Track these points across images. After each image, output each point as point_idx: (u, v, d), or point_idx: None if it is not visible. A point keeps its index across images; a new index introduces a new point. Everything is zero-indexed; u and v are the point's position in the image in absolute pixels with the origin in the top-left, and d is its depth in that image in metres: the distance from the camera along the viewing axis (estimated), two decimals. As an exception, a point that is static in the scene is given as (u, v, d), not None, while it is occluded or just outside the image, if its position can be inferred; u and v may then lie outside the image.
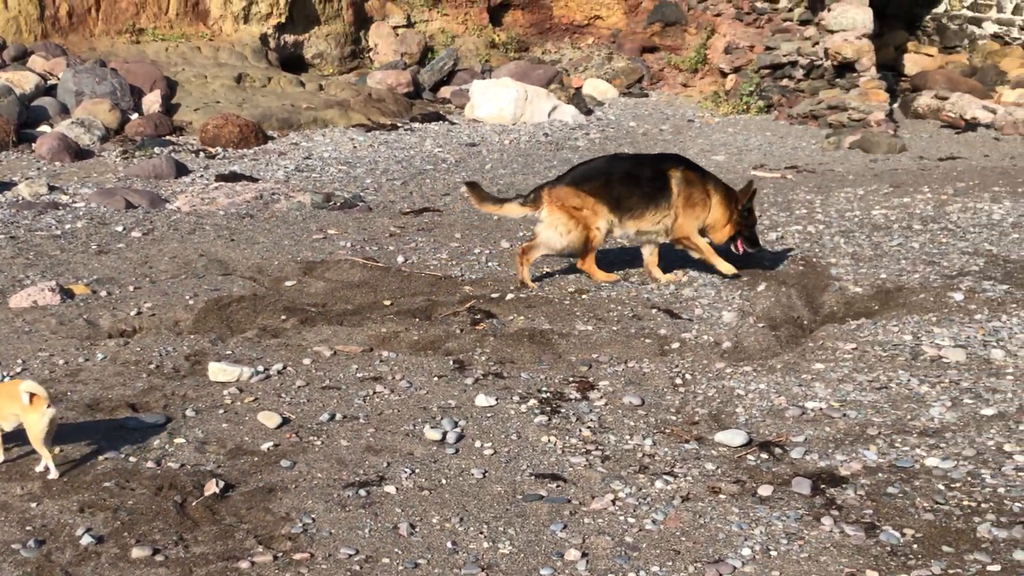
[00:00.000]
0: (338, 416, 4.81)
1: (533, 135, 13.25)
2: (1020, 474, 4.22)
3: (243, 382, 5.20)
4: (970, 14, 18.03)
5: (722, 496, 4.09)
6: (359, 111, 13.64)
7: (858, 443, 4.55)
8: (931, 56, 17.84)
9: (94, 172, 10.24)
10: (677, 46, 17.14)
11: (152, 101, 12.57)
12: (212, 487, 4.07)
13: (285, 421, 4.75)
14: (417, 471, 4.25)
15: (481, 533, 3.79)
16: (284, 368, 5.39)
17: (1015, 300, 6.35)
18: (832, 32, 14.47)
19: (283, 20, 15.31)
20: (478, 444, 4.52)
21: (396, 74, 15.19)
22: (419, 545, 3.71)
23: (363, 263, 7.24)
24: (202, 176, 10.31)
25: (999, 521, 3.85)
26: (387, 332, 5.97)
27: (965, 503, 4.00)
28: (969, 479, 4.19)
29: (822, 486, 4.16)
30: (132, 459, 4.33)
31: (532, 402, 4.98)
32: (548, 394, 5.11)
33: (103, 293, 6.54)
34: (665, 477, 4.24)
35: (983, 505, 3.97)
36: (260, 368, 5.34)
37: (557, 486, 4.15)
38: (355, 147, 12.00)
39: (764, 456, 4.45)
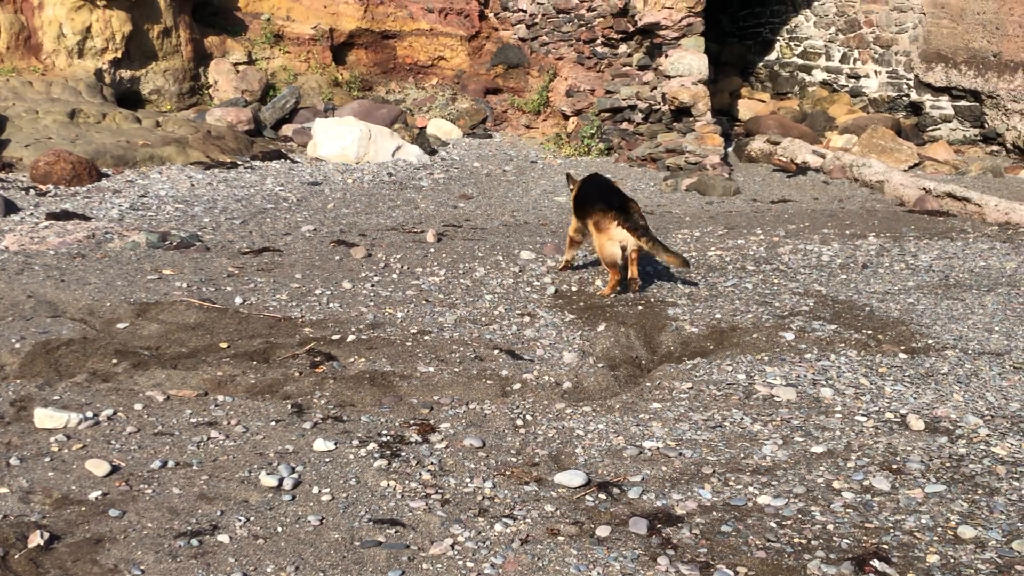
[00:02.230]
0: (170, 463, 4.67)
1: (377, 174, 13.20)
2: (848, 511, 4.35)
3: (71, 429, 5.01)
4: (801, 62, 18.75)
5: (561, 538, 4.10)
6: (198, 148, 13.38)
7: (693, 482, 4.63)
8: (764, 102, 18.48)
9: (-86, 209, 9.79)
10: (520, 88, 17.35)
11: (-21, 136, 12.11)
12: (36, 538, 3.90)
13: (115, 469, 4.59)
14: (252, 519, 4.16)
15: (317, 582, 3.71)
16: (114, 414, 5.22)
17: (843, 340, 6.57)
18: (669, 78, 14.84)
19: (119, 55, 14.95)
20: (316, 490, 4.45)
21: (236, 111, 14.97)
22: (253, 596, 3.62)
23: (199, 304, 7.08)
24: (32, 214, 9.96)
25: (828, 558, 3.95)
26: (223, 376, 5.84)
27: (796, 540, 4.09)
28: (800, 516, 4.30)
29: (658, 526, 4.21)
30: (-52, 512, 4.12)
31: (372, 446, 4.92)
32: (388, 437, 5.06)
33: (-79, 337, 6.24)
34: (505, 520, 4.23)
35: (813, 542, 4.08)
36: (89, 414, 5.16)
37: (396, 531, 4.10)
38: (193, 185, 11.76)
39: (602, 496, 4.48)
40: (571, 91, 16.33)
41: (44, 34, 14.44)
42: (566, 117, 16.38)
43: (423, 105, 17.02)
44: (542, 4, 17.11)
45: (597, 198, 7.71)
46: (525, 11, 17.52)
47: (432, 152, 14.90)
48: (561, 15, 16.80)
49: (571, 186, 8.31)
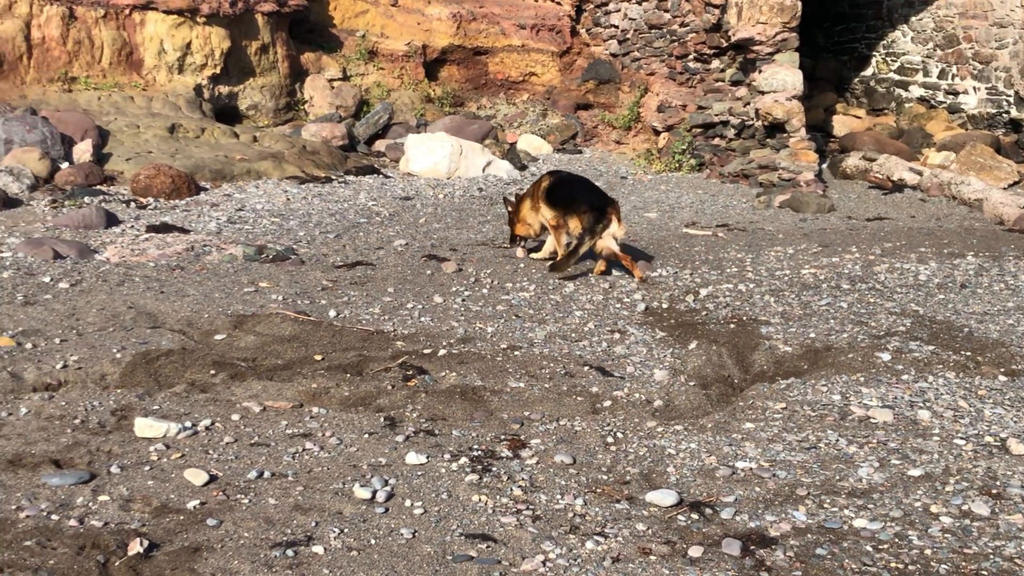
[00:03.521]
0: (266, 473, 4.74)
1: (467, 189, 13.29)
2: (946, 536, 4.26)
3: (170, 438, 5.11)
4: (897, 77, 18.47)
5: (652, 557, 4.08)
6: (293, 163, 13.59)
7: (787, 503, 4.58)
8: (859, 118, 18.24)
9: (22, 221, 10.08)
10: (611, 104, 17.34)
11: (83, 150, 12.43)
12: (136, 546, 3.97)
13: (212, 478, 4.67)
14: (346, 531, 4.20)
15: (410, 595, 3.74)
16: (212, 424, 5.31)
17: (941, 361, 6.45)
18: (763, 93, 14.72)
19: (218, 71, 15.27)
20: (408, 503, 4.48)
21: (331, 127, 15.19)
22: (347, 607, 3.65)
23: (294, 317, 7.18)
24: (132, 227, 10.19)
25: (925, 583, 3.88)
26: (318, 388, 5.92)
27: (892, 565, 4.03)
28: (896, 540, 4.23)
29: (752, 547, 4.17)
30: (54, 517, 4.22)
31: (463, 460, 4.95)
32: (479, 452, 5.08)
33: (28, 345, 6.41)
34: (596, 538, 4.22)
35: (910, 567, 4.01)
36: (188, 424, 5.26)
37: (487, 547, 4.12)
38: (288, 199, 11.95)
39: (695, 516, 4.45)
40: (662, 106, 16.28)
41: (145, 50, 14.79)
42: (657, 133, 16.33)
43: (514, 121, 17.10)
44: (634, 20, 17.10)
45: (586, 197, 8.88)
46: (617, 27, 17.53)
47: (522, 167, 14.96)
48: (653, 30, 16.77)
49: (508, 208, 9.60)
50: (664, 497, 4.59)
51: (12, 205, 10.72)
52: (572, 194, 8.88)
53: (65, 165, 12.15)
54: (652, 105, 16.57)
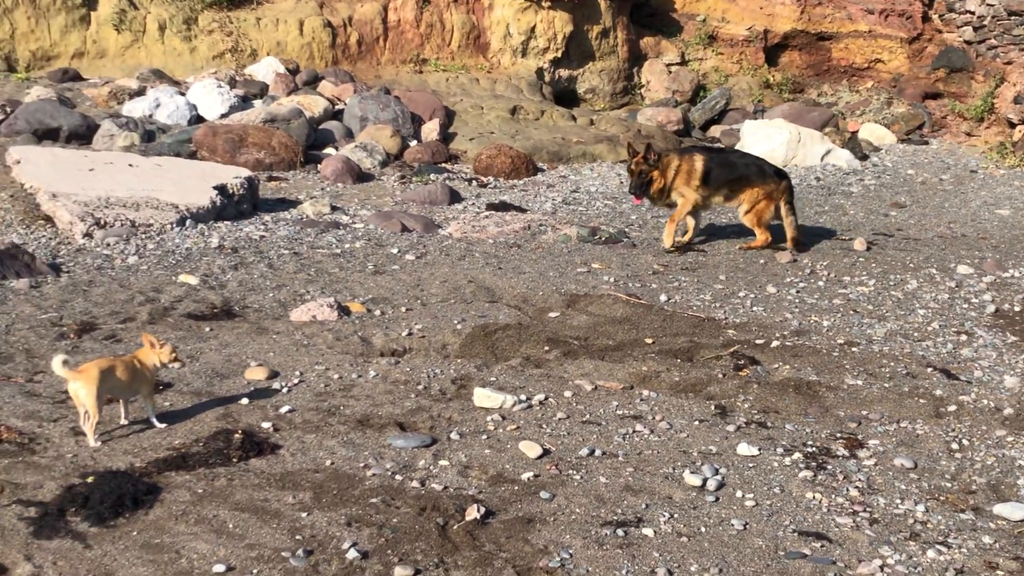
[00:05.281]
0: (597, 452, 4.79)
1: (804, 178, 12.94)
2: None
3: (506, 410, 5.25)
4: None
5: (1000, 573, 3.84)
6: (628, 147, 13.69)
7: None
8: None
9: (373, 195, 10.65)
10: (962, 93, 16.45)
11: (431, 129, 12.99)
12: (473, 512, 4.11)
13: (545, 452, 4.76)
14: (676, 516, 4.18)
15: (740, 587, 3.68)
16: (546, 399, 5.42)
17: None
18: None
19: (559, 55, 15.58)
20: (739, 494, 4.41)
21: (666, 111, 15.18)
22: (675, 593, 3.64)
23: (626, 299, 7.22)
24: (474, 204, 10.56)
25: None
26: (648, 371, 5.92)
27: None
28: None
29: (1115, 574, 3.85)
30: (398, 477, 4.43)
31: (796, 455, 4.82)
32: (814, 448, 4.94)
33: (377, 312, 6.76)
34: (938, 547, 4.01)
35: None
36: (523, 397, 5.39)
37: (822, 546, 4.00)
38: (622, 182, 12.03)
39: (1048, 535, 4.16)
40: (1019, 98, 15.28)
41: (492, 34, 15.29)
42: (1012, 125, 15.35)
43: (855, 109, 16.52)
44: (992, 6, 16.12)
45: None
46: (973, 13, 16.58)
47: (863, 157, 14.43)
48: (1013, 17, 15.75)
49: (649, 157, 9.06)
50: (1014, 511, 4.31)
51: (365, 179, 11.34)
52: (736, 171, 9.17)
53: (414, 143, 12.74)
54: (1008, 96, 15.58)
